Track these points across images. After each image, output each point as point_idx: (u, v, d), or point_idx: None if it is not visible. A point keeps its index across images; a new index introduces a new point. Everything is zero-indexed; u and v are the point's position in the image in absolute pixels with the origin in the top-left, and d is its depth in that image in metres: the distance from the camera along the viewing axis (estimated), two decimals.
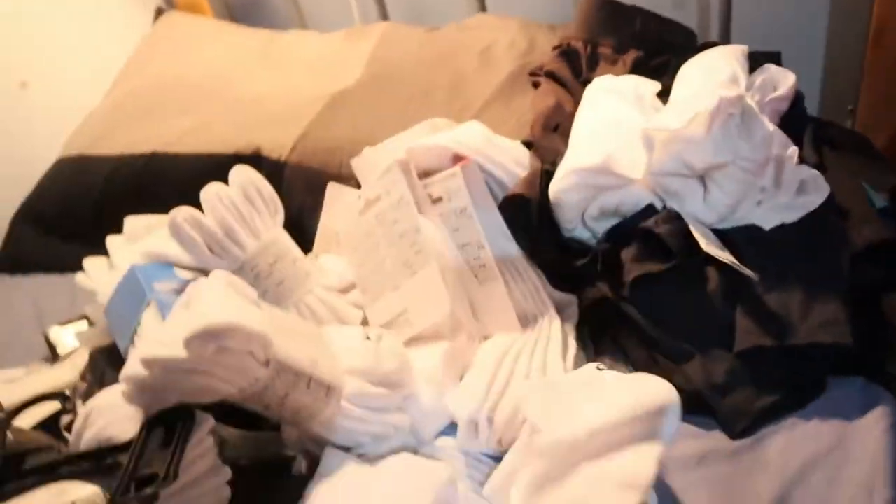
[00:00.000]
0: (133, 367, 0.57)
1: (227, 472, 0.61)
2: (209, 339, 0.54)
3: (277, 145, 1.01)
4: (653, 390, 0.56)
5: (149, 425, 0.58)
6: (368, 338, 0.67)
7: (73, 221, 1.11)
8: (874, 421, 0.66)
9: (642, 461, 0.53)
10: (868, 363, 0.69)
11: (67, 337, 0.94)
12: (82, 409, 0.66)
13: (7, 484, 0.58)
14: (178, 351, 0.54)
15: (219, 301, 0.59)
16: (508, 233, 0.76)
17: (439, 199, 0.75)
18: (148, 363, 0.56)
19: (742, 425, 0.66)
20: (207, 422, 0.59)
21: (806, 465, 0.63)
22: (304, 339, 0.64)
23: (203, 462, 0.59)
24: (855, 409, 0.67)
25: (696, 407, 0.67)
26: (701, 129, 0.71)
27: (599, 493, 0.52)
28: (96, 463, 0.59)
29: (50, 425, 0.80)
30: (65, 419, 0.81)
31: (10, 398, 0.84)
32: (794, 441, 0.65)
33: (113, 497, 0.53)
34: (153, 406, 0.58)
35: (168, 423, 0.58)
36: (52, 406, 0.83)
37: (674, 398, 0.56)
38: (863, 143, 0.89)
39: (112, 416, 0.62)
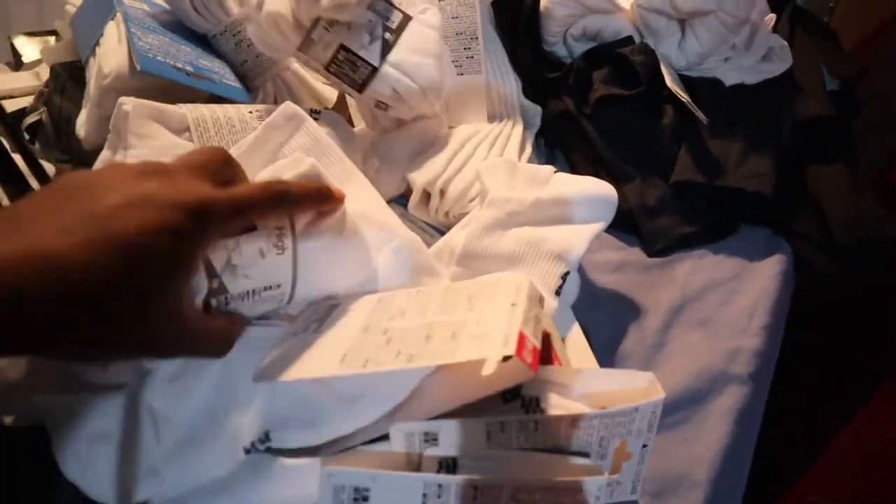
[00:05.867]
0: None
1: None
2: None
3: None
4: (597, 185, 0.63)
5: None
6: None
7: None
8: (770, 265, 0.75)
9: (576, 238, 0.60)
10: (779, 218, 0.78)
11: (33, 48, 0.94)
12: None
13: None
14: None
15: None
16: (498, 32, 0.79)
17: None
18: None
19: (660, 246, 0.74)
20: None
21: (705, 287, 0.72)
22: None
23: None
24: (757, 252, 0.76)
25: (624, 224, 0.75)
26: None
27: (533, 255, 0.58)
28: None
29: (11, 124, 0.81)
30: (27, 120, 0.82)
31: None
32: (700, 267, 0.74)
33: None
34: None
35: None
36: (17, 103, 0.84)
37: (614, 195, 0.62)
38: (831, 35, 0.95)
39: None
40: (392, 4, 0.70)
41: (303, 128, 0.56)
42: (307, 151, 0.55)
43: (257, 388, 0.46)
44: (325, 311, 0.53)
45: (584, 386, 0.48)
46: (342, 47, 0.67)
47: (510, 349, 0.41)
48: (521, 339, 0.44)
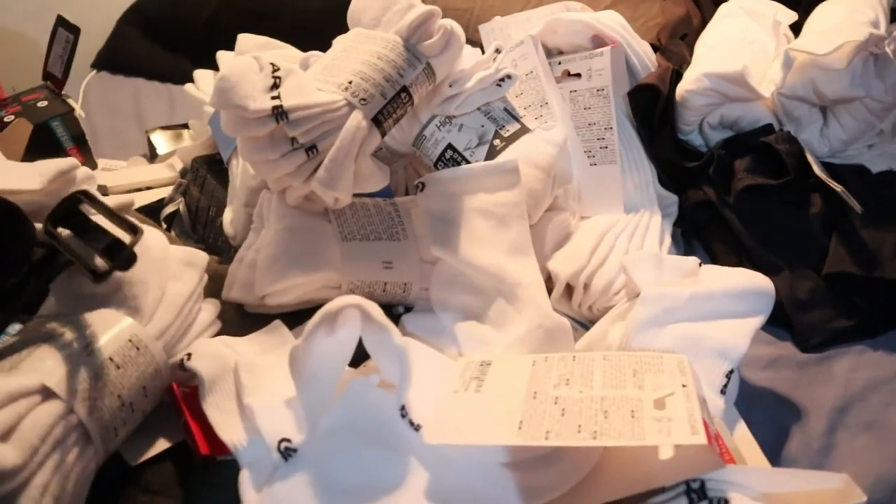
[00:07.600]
0: None
1: None
2: None
3: None
4: (753, 277, 0.60)
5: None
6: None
7: (181, 32, 1.12)
8: None
9: (738, 334, 0.57)
10: None
11: (167, 141, 0.97)
12: None
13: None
14: None
15: None
16: (633, 121, 0.78)
17: (577, 76, 0.77)
18: None
19: (815, 341, 0.70)
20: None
21: (868, 386, 0.68)
22: None
23: None
24: None
25: (774, 318, 0.71)
26: (843, 59, 0.73)
27: (694, 353, 0.55)
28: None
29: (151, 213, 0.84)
30: (165, 210, 0.85)
31: (113, 182, 0.87)
32: (860, 364, 0.70)
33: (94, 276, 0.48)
34: None
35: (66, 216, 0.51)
36: (155, 194, 0.87)
37: (771, 287, 0.59)
38: None
39: None
40: (512, 115, 0.70)
41: (517, 187, 0.63)
42: (504, 207, 0.63)
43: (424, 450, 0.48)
44: (480, 370, 0.54)
45: (765, 486, 0.45)
46: (450, 146, 0.69)
47: (701, 438, 0.42)
48: (706, 427, 0.43)
